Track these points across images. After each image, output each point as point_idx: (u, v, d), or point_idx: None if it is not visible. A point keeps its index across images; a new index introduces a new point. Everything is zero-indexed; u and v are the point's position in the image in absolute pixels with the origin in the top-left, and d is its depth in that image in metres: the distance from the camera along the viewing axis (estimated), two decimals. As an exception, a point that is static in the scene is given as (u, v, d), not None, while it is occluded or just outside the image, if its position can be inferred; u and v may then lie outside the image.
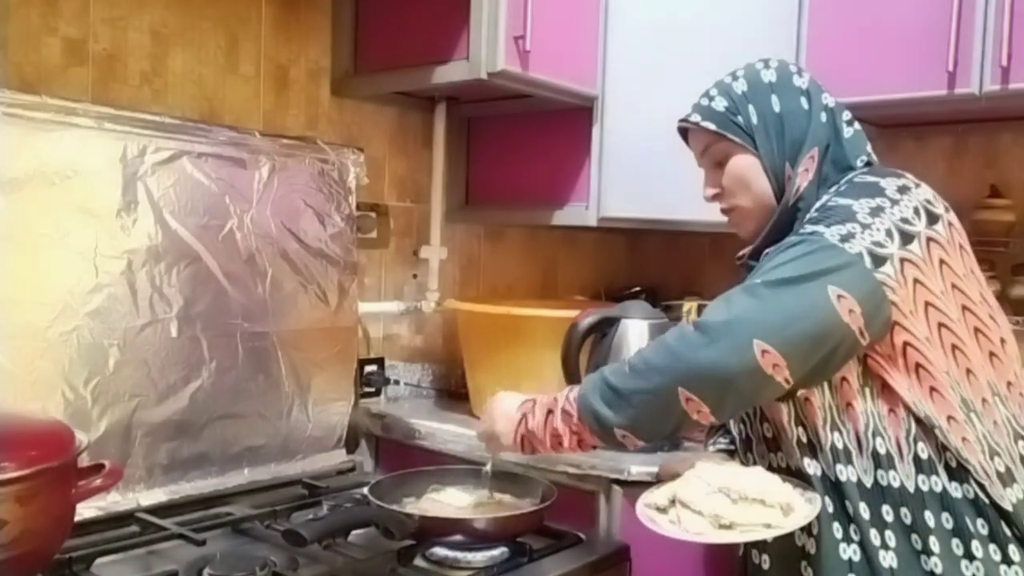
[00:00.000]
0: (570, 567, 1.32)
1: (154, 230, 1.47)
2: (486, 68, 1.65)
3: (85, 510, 1.26)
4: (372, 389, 1.96)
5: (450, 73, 1.72)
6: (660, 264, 2.58)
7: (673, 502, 1.12)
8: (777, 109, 1.20)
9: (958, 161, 2.09)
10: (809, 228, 1.08)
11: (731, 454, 1.29)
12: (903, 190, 1.10)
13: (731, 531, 1.06)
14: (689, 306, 2.01)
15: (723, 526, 1.06)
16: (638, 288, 2.42)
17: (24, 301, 1.32)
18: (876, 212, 1.06)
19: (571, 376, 1.66)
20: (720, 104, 1.23)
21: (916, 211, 1.07)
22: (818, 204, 1.13)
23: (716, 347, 1.00)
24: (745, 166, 1.22)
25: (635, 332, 1.66)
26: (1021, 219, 1.97)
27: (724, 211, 1.28)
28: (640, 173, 1.89)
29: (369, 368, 1.95)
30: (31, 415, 1.28)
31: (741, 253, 1.26)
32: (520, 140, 2.06)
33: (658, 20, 1.89)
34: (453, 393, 2.07)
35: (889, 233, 1.04)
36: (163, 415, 1.48)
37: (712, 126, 1.23)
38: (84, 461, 1.14)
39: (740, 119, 1.21)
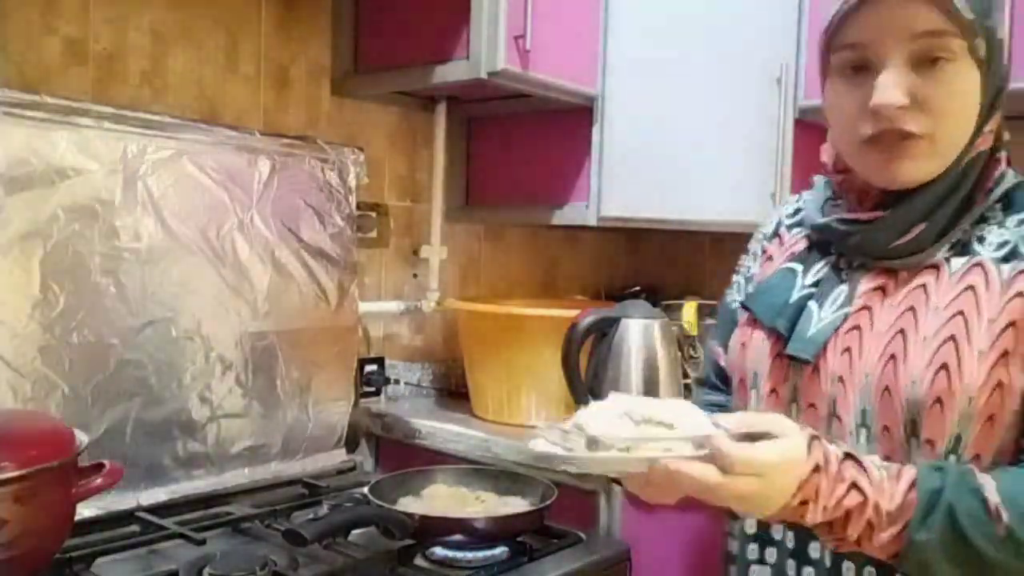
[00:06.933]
0: (570, 567, 1.32)
1: (154, 230, 1.47)
2: (486, 68, 1.65)
3: (85, 510, 1.26)
4: (372, 389, 1.96)
5: (450, 73, 1.72)
6: (660, 264, 2.57)
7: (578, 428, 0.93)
8: (1002, 34, 0.89)
9: (958, 161, 2.09)
10: None
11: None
12: None
13: (622, 452, 0.85)
14: (689, 306, 2.01)
15: (620, 450, 0.88)
16: (638, 288, 2.42)
17: (24, 301, 1.32)
18: None
19: (571, 376, 1.66)
20: None
21: None
22: None
23: None
24: (971, 86, 0.87)
25: (635, 332, 1.67)
26: (1021, 219, 1.97)
27: (901, 136, 0.87)
28: (640, 173, 1.89)
29: (369, 368, 1.95)
30: (31, 415, 1.28)
31: (859, 217, 0.93)
32: (520, 140, 2.05)
33: (658, 20, 1.89)
34: (453, 393, 2.07)
35: None
36: (163, 415, 1.48)
37: (970, 13, 0.84)
38: (84, 461, 1.14)
39: (990, 23, 0.86)
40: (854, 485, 0.81)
